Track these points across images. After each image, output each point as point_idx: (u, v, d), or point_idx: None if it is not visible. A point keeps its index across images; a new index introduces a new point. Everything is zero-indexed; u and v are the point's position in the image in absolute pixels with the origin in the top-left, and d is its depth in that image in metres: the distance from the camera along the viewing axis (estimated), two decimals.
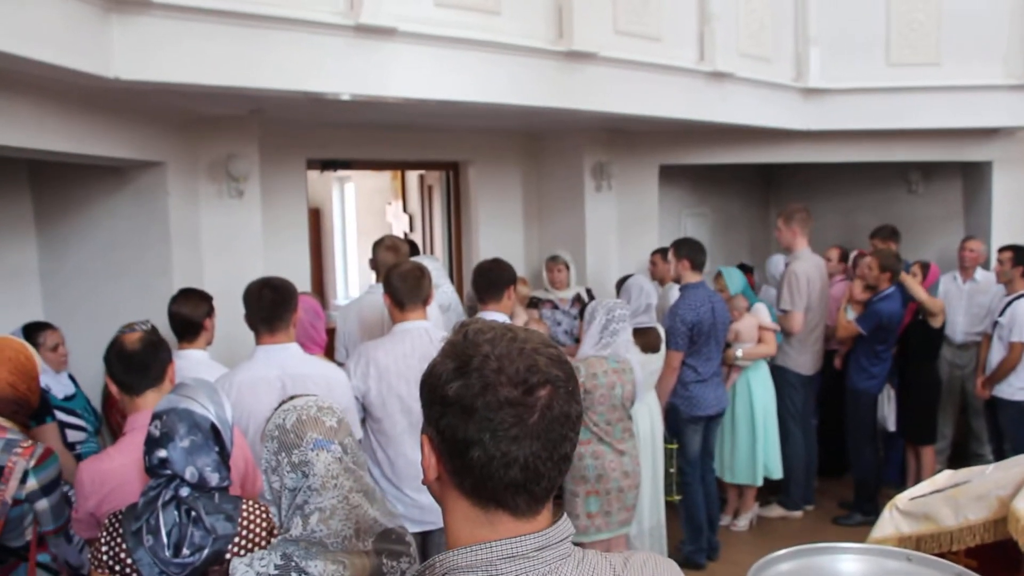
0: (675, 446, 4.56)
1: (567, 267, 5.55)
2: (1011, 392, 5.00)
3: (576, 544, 1.08)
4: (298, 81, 3.48)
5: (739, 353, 4.91)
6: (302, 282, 4.31)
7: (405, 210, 8.59)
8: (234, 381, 2.77)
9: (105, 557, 1.86)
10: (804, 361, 5.25)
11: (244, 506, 1.94)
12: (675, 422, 4.58)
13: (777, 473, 5.08)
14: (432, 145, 5.90)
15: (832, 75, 5.77)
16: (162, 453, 1.87)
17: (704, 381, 4.56)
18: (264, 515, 1.95)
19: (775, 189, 7.92)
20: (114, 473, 2.18)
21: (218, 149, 4.49)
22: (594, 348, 3.68)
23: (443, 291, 4.28)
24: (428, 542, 3.18)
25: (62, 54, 2.70)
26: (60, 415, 3.39)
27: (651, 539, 4.24)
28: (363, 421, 3.15)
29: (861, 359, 5.15)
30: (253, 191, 4.62)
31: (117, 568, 1.85)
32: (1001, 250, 5.17)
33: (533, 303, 5.48)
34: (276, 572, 1.52)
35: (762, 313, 5.08)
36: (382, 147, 5.72)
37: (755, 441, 4.97)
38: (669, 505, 4.46)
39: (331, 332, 3.93)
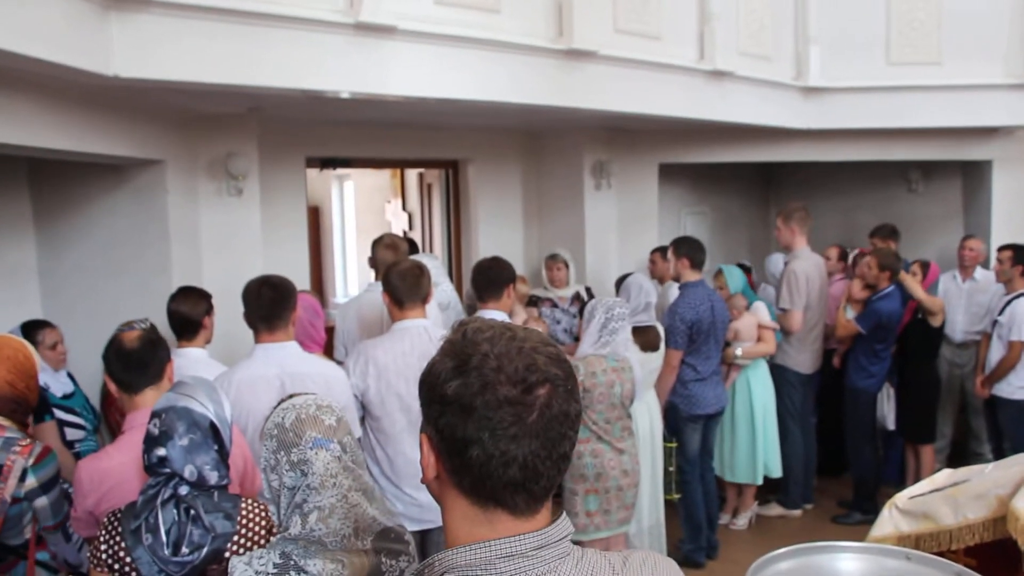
0: (674, 445, 4.56)
1: (566, 265, 5.54)
2: (1010, 391, 5.01)
3: (575, 543, 1.07)
4: (298, 79, 3.48)
5: (738, 352, 4.91)
6: (301, 280, 4.31)
7: (404, 208, 8.58)
8: (233, 379, 2.77)
9: (104, 556, 1.86)
10: (803, 360, 5.26)
11: (243, 505, 1.94)
12: (674, 421, 4.58)
13: (776, 472, 5.08)
14: (432, 143, 5.90)
15: (832, 74, 5.77)
16: (161, 451, 1.87)
17: (703, 380, 4.56)
18: (263, 514, 1.95)
19: (775, 188, 7.92)
20: (113, 471, 2.17)
21: (217, 147, 4.49)
22: (593, 346, 3.68)
23: (442, 289, 4.28)
24: (427, 541, 3.18)
25: (61, 52, 2.69)
26: (59, 413, 3.40)
27: (650, 538, 4.24)
28: (362, 419, 3.15)
29: (860, 358, 5.15)
30: (252, 189, 4.62)
31: (116, 567, 1.85)
32: (1001, 249, 5.18)
33: (532, 301, 5.48)
34: (275, 571, 1.52)
35: (761, 312, 5.08)
36: (381, 145, 5.72)
37: (754, 440, 4.96)
38: (668, 504, 4.46)
39: (330, 330, 3.93)
